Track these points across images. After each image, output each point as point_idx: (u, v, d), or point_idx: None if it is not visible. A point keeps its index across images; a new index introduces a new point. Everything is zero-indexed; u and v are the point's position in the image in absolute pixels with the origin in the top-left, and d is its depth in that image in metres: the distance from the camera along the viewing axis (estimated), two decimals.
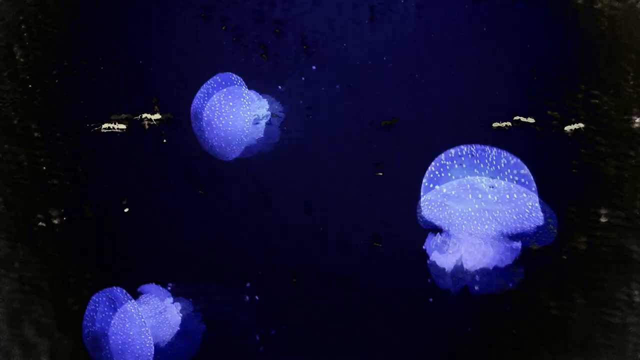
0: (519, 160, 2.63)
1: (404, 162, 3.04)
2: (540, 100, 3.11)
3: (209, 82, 3.17)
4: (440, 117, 3.16)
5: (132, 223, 3.46)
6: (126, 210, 3.39)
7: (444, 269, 2.72)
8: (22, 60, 3.44)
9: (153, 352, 2.83)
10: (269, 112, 3.22)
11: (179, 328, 2.97)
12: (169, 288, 3.06)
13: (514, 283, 2.72)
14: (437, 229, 2.75)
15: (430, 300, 3.01)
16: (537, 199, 2.55)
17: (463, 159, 2.66)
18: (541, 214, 2.58)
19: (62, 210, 3.49)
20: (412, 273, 2.94)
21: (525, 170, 2.61)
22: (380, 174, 3.25)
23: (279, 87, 3.30)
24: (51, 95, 3.51)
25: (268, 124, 3.25)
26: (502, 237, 2.67)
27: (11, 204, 3.41)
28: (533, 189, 2.58)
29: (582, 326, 3.05)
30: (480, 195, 2.55)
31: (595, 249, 3.07)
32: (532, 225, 2.63)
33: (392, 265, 3.22)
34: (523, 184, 2.58)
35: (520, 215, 2.60)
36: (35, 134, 3.50)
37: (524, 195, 2.53)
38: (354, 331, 3.30)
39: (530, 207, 2.58)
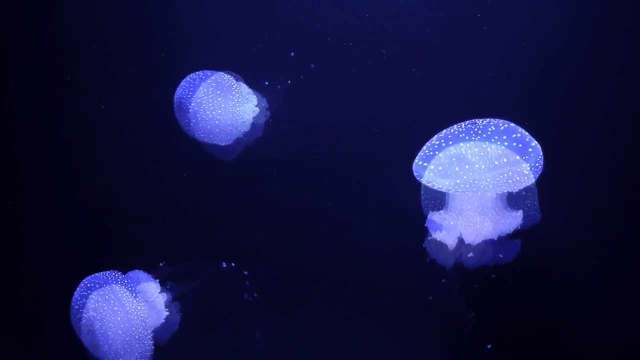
0: (511, 125, 2.51)
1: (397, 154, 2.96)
2: None
3: (196, 72, 3.16)
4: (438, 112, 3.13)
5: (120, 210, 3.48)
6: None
7: (446, 246, 2.66)
8: None
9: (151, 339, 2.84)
10: (257, 108, 3.19)
11: (163, 321, 2.98)
12: (157, 281, 3.03)
13: (510, 256, 2.64)
14: (437, 207, 2.71)
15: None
16: (536, 159, 2.47)
17: (450, 136, 2.58)
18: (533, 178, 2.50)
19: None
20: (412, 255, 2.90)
21: (518, 134, 2.47)
22: None
23: (266, 82, 3.27)
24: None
25: (255, 119, 3.22)
26: (499, 207, 2.62)
27: None
28: (530, 149, 2.45)
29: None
30: (467, 166, 2.47)
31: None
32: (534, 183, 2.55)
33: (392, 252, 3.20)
34: (515, 148, 2.44)
35: (515, 181, 2.46)
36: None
37: (517, 158, 2.44)
38: (348, 310, 3.25)
39: (525, 170, 2.45)
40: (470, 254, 2.63)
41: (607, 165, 3.06)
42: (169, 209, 3.57)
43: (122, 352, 2.79)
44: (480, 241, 2.61)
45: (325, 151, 3.40)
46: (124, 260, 3.17)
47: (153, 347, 2.91)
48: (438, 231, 2.66)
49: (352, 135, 3.37)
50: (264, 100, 3.28)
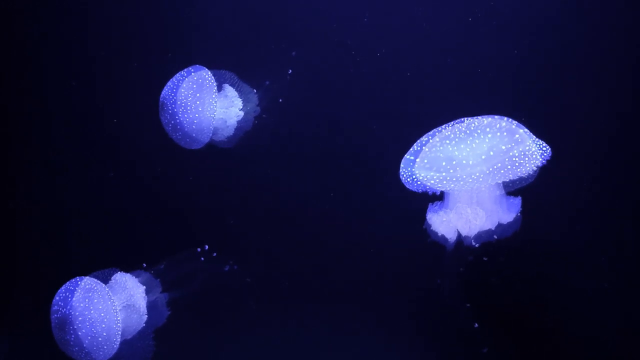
0: (496, 118, 2.49)
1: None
2: None
3: (180, 73, 3.12)
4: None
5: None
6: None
7: (446, 237, 2.67)
8: None
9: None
10: (242, 112, 3.15)
11: (144, 325, 2.95)
12: (141, 283, 3.00)
13: (509, 231, 2.62)
14: (436, 199, 2.72)
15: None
16: (528, 140, 2.41)
17: (436, 133, 2.58)
18: (534, 153, 2.43)
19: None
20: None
21: (503, 124, 2.43)
22: None
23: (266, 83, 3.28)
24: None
25: (245, 116, 3.19)
26: (496, 196, 2.59)
27: None
28: (517, 136, 2.39)
29: None
30: (454, 162, 2.43)
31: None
32: (528, 170, 2.48)
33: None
34: (500, 138, 2.39)
35: (509, 167, 2.39)
36: None
37: (503, 148, 2.38)
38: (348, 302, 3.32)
39: (519, 153, 2.40)
40: (474, 244, 2.63)
41: (605, 160, 3.07)
42: (156, 208, 3.58)
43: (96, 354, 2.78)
44: (475, 232, 2.61)
45: (323, 147, 3.42)
46: (109, 261, 3.16)
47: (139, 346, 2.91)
48: (437, 223, 2.66)
49: (348, 131, 3.38)
50: (256, 97, 3.26)
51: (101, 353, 2.76)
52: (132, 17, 3.55)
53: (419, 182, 2.57)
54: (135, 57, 3.55)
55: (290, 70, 3.29)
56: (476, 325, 3.07)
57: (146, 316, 2.93)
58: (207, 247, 3.36)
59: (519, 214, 2.60)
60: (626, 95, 3.03)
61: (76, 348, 2.79)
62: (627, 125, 3.01)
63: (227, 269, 3.41)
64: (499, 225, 2.60)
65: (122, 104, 3.60)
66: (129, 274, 3.00)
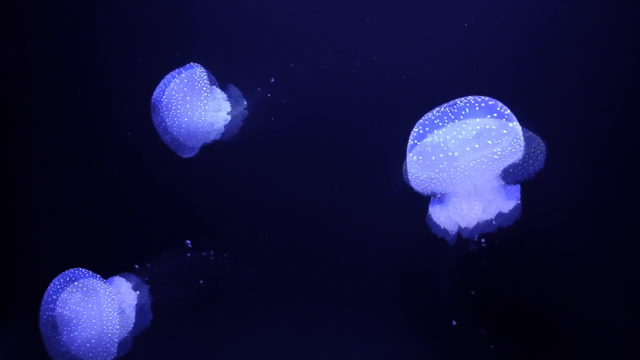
0: (491, 104, 2.46)
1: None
2: None
3: (171, 73, 3.11)
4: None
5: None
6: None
7: (446, 230, 2.66)
8: None
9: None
10: (229, 116, 3.14)
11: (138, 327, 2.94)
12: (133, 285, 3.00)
13: (510, 220, 2.60)
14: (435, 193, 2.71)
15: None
16: (518, 130, 2.39)
17: (427, 122, 2.54)
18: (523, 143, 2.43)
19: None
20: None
21: (495, 114, 2.41)
22: None
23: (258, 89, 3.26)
24: None
25: (230, 119, 3.18)
26: (493, 187, 2.57)
27: None
28: (512, 124, 2.39)
29: None
30: (441, 155, 2.41)
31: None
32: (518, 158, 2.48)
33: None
34: (489, 131, 2.38)
35: (503, 154, 2.40)
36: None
37: (494, 141, 2.37)
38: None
39: (513, 141, 2.39)
40: (475, 236, 2.64)
41: (605, 157, 3.05)
42: (155, 209, 3.59)
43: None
44: (474, 224, 2.60)
45: (323, 147, 3.42)
46: (100, 263, 3.16)
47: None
48: (437, 217, 2.66)
49: (348, 131, 3.37)
50: (244, 101, 3.25)
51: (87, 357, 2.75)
52: (131, 17, 3.57)
53: (417, 180, 2.56)
54: (136, 57, 3.57)
55: (273, 79, 3.28)
56: (478, 324, 3.07)
57: (138, 318, 2.93)
58: (189, 243, 3.37)
59: (518, 203, 2.58)
60: (627, 94, 3.01)
61: (63, 349, 2.76)
62: (628, 123, 3.00)
63: (212, 254, 3.42)
64: (499, 215, 2.58)
65: (120, 104, 3.61)
66: (122, 277, 2.99)
